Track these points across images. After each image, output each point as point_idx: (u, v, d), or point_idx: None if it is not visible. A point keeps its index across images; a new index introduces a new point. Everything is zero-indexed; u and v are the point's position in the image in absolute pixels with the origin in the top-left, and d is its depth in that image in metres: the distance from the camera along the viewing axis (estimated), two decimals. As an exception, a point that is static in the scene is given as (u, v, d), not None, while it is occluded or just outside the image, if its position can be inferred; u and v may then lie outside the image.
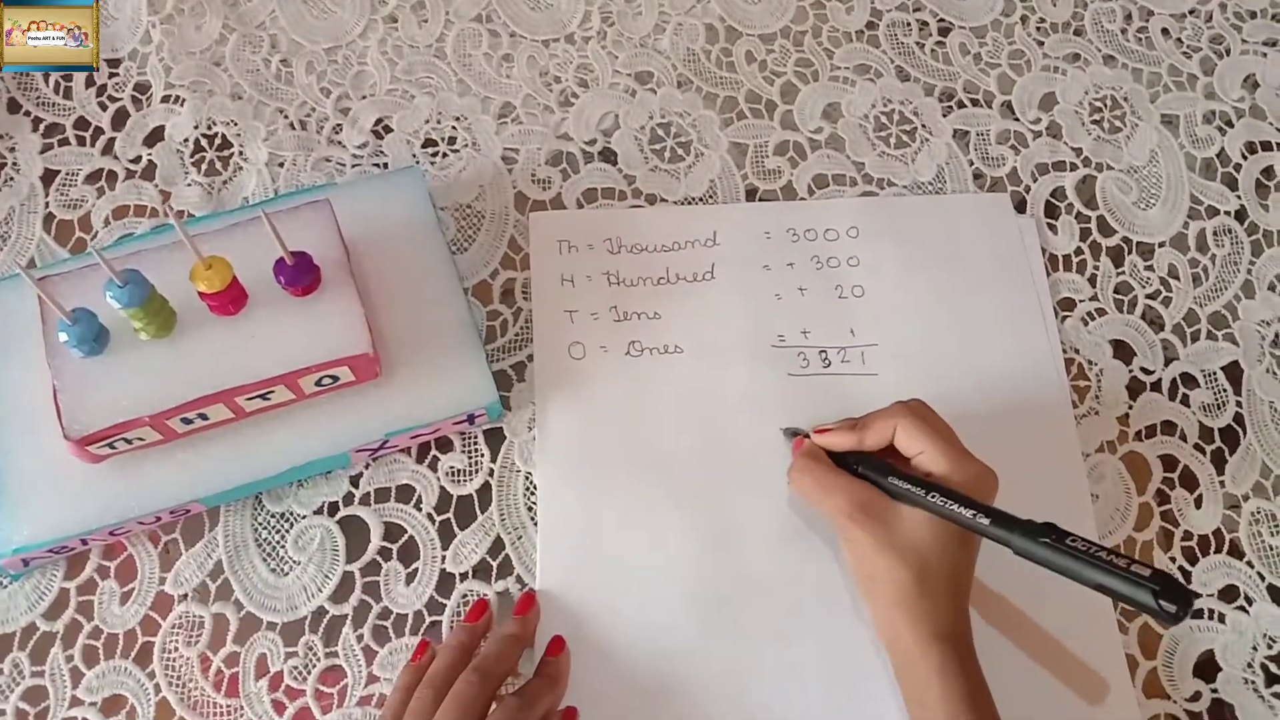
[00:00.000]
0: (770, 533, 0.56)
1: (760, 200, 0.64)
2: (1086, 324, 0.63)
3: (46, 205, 0.63)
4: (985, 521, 0.45)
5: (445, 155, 0.65)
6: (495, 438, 0.58)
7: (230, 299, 0.50)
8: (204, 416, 0.51)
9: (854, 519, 0.49)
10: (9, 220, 0.62)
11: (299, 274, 0.51)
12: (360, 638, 0.54)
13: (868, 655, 0.53)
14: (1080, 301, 0.63)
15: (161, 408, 0.49)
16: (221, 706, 0.52)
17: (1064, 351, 0.61)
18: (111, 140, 0.65)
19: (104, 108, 0.66)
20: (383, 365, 0.54)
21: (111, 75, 0.66)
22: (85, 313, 0.49)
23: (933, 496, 0.47)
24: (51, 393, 0.49)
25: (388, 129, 0.65)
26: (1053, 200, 0.66)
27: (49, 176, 0.63)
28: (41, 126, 0.65)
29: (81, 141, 0.65)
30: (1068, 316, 0.63)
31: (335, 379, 0.52)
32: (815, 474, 0.52)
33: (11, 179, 0.63)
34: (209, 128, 0.65)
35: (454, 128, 0.66)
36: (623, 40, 0.69)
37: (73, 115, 0.65)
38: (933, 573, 0.47)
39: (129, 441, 0.50)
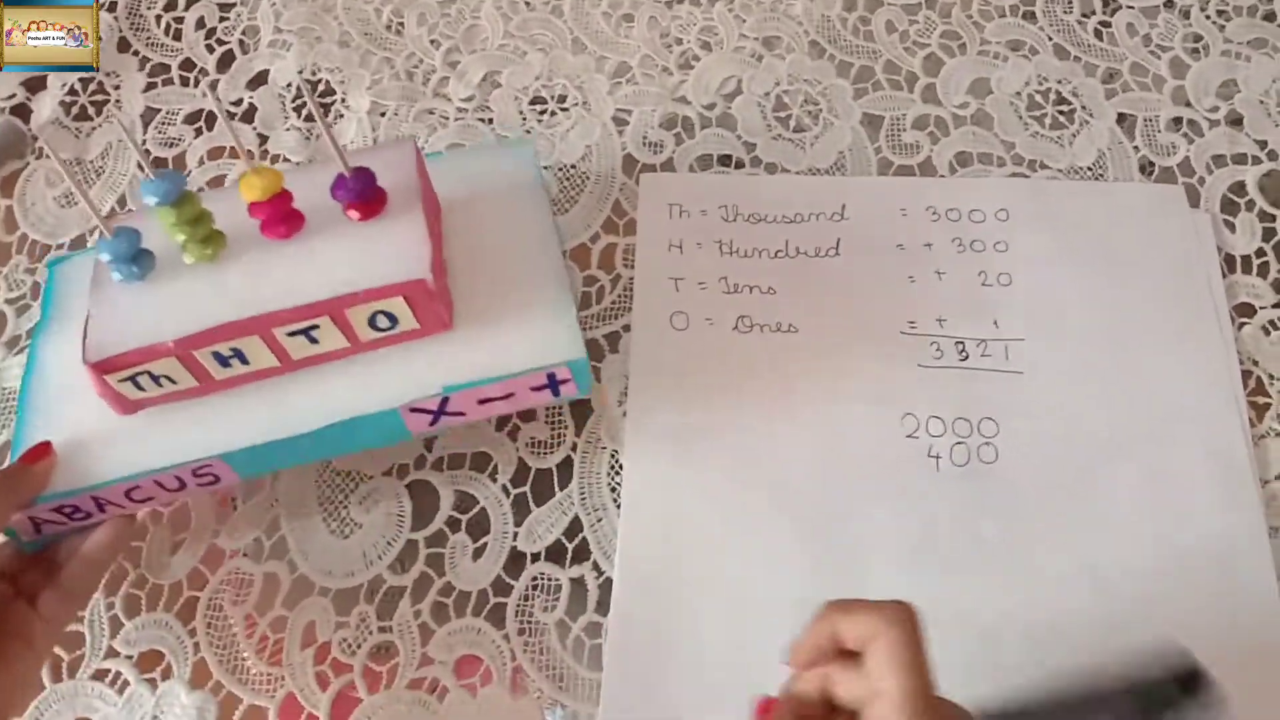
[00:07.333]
0: (894, 547, 0.49)
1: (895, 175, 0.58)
2: (1268, 333, 0.54)
3: (144, 142, 0.61)
4: None
5: (554, 114, 0.61)
6: (581, 410, 0.53)
7: (280, 216, 0.45)
8: (243, 359, 0.45)
9: None
10: (106, 154, 0.61)
11: (357, 189, 0.45)
12: (418, 614, 0.48)
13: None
14: (1261, 308, 0.55)
15: (186, 332, 0.43)
16: (262, 674, 0.47)
17: (1240, 363, 0.53)
18: (215, 82, 0.63)
19: (211, 50, 0.64)
20: (459, 319, 0.48)
21: (222, 19, 0.65)
22: (128, 230, 0.44)
23: None
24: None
25: (496, 84, 0.62)
26: (1231, 196, 0.58)
27: (149, 115, 0.62)
28: (148, 66, 0.64)
29: (185, 82, 0.63)
30: (1245, 324, 0.54)
31: (393, 320, 0.46)
32: None
33: (113, 115, 0.62)
34: (313, 73, 0.62)
35: (565, 86, 0.62)
36: (751, 4, 0.64)
37: (179, 56, 0.64)
38: None
39: (157, 382, 0.45)
